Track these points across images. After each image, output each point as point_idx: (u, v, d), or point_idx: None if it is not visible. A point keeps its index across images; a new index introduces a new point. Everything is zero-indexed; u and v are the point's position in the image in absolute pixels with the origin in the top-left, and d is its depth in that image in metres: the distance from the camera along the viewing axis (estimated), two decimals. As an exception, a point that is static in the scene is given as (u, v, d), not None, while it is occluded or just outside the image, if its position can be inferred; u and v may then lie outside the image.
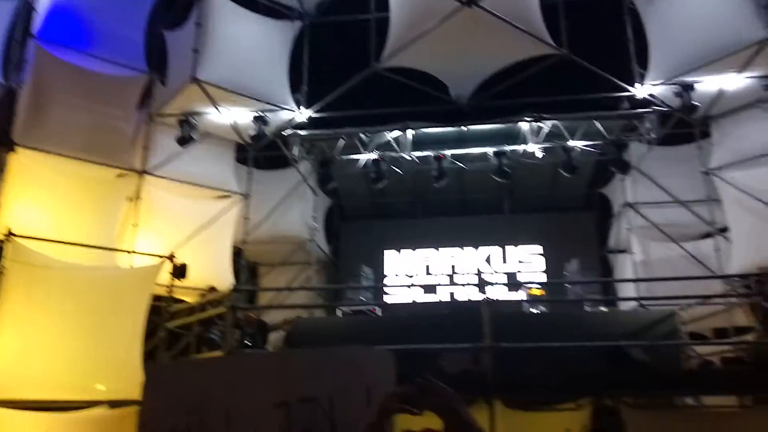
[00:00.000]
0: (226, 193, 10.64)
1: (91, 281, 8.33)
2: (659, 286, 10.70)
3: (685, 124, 11.01)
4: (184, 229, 9.86)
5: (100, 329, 8.14)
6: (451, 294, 13.52)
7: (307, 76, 10.52)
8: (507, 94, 10.48)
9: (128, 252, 9.15)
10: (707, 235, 11.34)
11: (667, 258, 11.40)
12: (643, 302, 10.50)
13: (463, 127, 11.23)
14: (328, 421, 1.81)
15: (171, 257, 8.78)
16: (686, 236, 11.66)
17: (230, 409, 1.87)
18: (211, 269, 10.04)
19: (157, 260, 8.75)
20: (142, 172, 9.68)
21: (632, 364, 7.33)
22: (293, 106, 10.17)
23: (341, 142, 11.19)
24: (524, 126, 11.20)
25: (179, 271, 8.69)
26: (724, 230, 10.83)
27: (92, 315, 8.05)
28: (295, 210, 12.07)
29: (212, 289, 9.61)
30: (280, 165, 11.90)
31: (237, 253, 11.62)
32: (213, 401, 1.89)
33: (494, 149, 11.42)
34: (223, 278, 10.16)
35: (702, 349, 9.00)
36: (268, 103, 9.91)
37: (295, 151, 11.23)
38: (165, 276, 8.85)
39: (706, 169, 10.74)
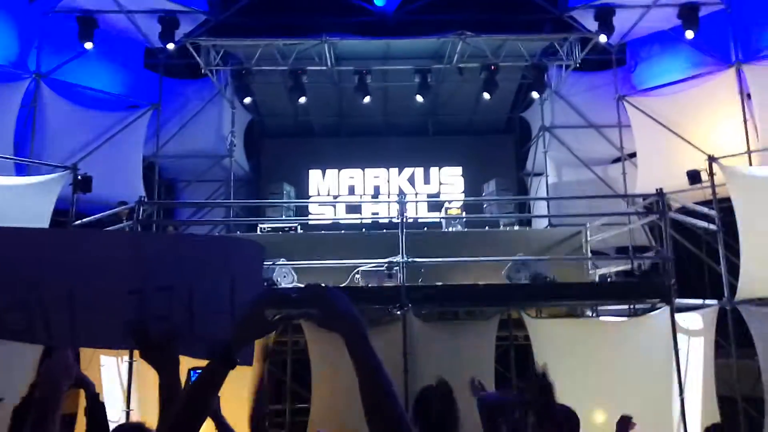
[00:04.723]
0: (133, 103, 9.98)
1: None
2: (569, 207, 11.25)
3: (603, 51, 11.26)
4: (88, 139, 9.24)
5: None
6: (374, 213, 13.62)
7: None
8: (432, 10, 10.25)
9: (26, 162, 8.49)
10: (617, 160, 11.91)
11: (578, 181, 11.93)
12: (553, 222, 11.06)
13: (386, 42, 10.93)
14: (187, 311, 1.73)
15: (74, 168, 8.24)
16: (597, 161, 12.20)
17: (75, 289, 1.71)
18: (120, 183, 9.55)
19: (58, 172, 8.20)
20: (38, 75, 8.86)
21: (538, 279, 7.74)
22: (205, 8, 9.47)
23: (259, 52, 10.64)
24: (449, 45, 11.05)
25: (83, 184, 8.19)
26: (632, 155, 11.38)
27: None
28: (211, 124, 11.56)
29: (123, 203, 9.19)
30: (195, 74, 11.24)
31: (151, 168, 11.12)
32: (53, 278, 1.71)
33: (417, 67, 11.28)
34: (134, 193, 9.70)
35: (604, 266, 9.64)
36: (177, 3, 9.16)
37: (209, 58, 10.57)
38: (66, 191, 8.35)
39: (619, 95, 11.12)
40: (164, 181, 12.14)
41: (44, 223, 7.89)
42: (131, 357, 6.37)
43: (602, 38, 10.31)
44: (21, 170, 8.93)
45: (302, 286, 1.47)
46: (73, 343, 1.75)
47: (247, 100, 11.50)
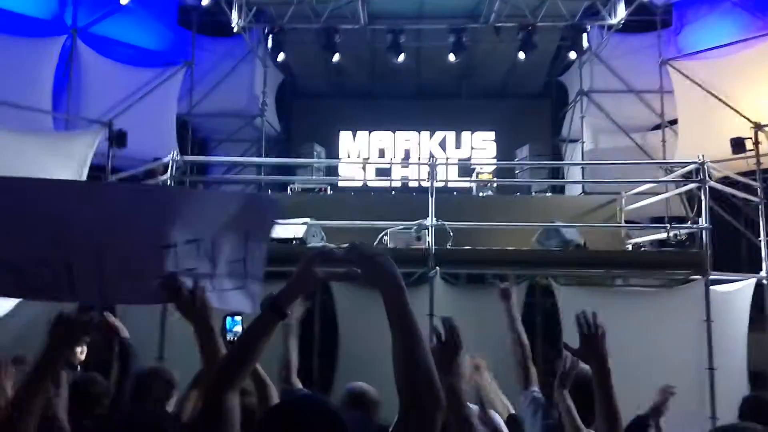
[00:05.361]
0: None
1: (22, 146, 7.90)
2: (604, 174, 10.97)
3: (648, 11, 10.78)
4: (123, 95, 9.33)
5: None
6: (404, 177, 13.56)
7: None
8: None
9: (62, 117, 8.64)
10: (657, 127, 11.52)
11: (615, 148, 11.60)
12: (587, 189, 10.82)
13: (420, 0, 10.68)
14: (209, 261, 1.77)
15: (110, 124, 8.35)
16: (637, 127, 11.82)
17: (102, 245, 1.67)
18: (154, 140, 9.65)
19: (94, 127, 8.32)
20: (74, 30, 8.93)
21: (569, 245, 7.62)
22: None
23: (291, 10, 10.51)
24: (485, 3, 10.73)
25: (118, 139, 8.30)
26: (673, 122, 10.99)
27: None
28: (244, 83, 11.54)
29: (157, 160, 9.31)
30: (228, 32, 11.18)
31: (184, 126, 11.22)
32: (77, 232, 1.66)
33: (453, 26, 11.03)
34: (168, 150, 9.80)
35: (639, 236, 9.42)
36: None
37: (240, 16, 10.47)
38: (102, 146, 8.47)
39: (664, 59, 10.68)
40: (197, 140, 12.24)
41: (81, 177, 8.07)
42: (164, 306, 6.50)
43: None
44: (58, 125, 9.11)
45: (347, 245, 1.50)
46: (103, 301, 1.76)
47: (281, 57, 11.41)
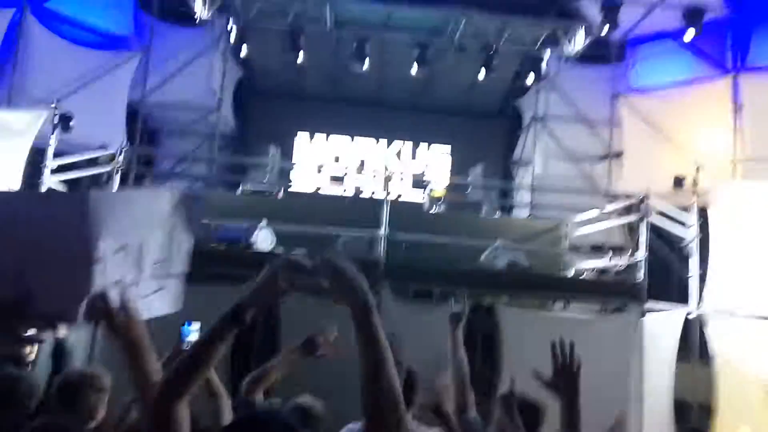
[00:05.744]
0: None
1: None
2: (552, 200, 11.26)
3: (603, 45, 11.19)
4: (72, 77, 8.94)
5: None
6: (357, 187, 13.54)
7: None
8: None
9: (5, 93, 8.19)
10: (605, 157, 11.93)
11: (564, 175, 11.94)
12: (534, 213, 11.10)
13: (387, 12, 10.75)
14: (137, 268, 1.68)
15: (54, 106, 7.97)
16: (586, 156, 12.20)
17: (26, 259, 1.54)
18: (102, 126, 9.27)
19: (39, 106, 7.93)
20: (25, 6, 8.51)
21: (515, 268, 7.78)
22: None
23: (257, 7, 10.37)
24: (451, 21, 10.90)
25: (63, 122, 7.93)
26: (620, 154, 11.40)
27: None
28: (201, 75, 11.24)
29: (103, 147, 8.94)
30: (189, 21, 10.88)
31: (134, 115, 10.83)
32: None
33: (418, 40, 11.17)
34: (116, 138, 9.45)
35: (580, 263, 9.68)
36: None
37: (204, 7, 10.25)
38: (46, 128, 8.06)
39: (616, 93, 11.09)
40: (147, 130, 11.82)
41: (21, 162, 7.65)
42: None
43: (605, 31, 10.26)
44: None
45: (319, 257, 1.48)
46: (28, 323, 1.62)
47: (243, 52, 11.23)
